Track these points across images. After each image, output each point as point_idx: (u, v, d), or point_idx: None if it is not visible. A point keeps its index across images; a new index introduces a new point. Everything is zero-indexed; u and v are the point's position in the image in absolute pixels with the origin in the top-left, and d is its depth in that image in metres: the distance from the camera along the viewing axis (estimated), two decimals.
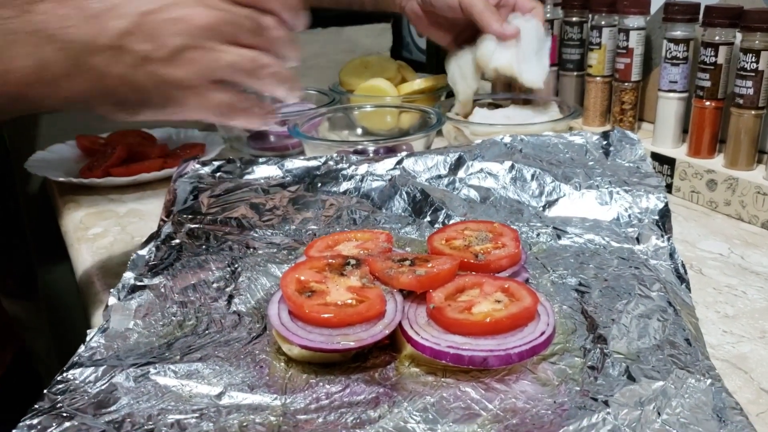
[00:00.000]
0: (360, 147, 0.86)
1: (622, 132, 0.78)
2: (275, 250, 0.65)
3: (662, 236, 0.65)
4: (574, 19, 1.05)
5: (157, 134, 1.08)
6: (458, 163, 0.75)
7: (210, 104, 0.55)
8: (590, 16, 1.02)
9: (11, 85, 0.50)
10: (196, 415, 0.43)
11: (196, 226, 0.67)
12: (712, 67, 0.82)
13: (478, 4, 0.92)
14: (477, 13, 0.92)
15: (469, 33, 0.97)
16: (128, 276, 0.58)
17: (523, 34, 0.91)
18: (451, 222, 0.69)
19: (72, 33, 0.50)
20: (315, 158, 0.77)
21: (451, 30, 1.00)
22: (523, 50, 0.92)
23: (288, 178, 0.75)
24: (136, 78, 0.51)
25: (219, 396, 0.45)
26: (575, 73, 1.07)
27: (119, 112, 0.54)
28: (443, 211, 0.71)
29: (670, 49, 0.87)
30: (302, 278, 0.52)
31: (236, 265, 0.61)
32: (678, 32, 0.87)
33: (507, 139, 0.78)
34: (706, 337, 0.54)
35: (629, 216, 0.68)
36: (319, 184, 0.74)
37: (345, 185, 0.74)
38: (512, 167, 0.74)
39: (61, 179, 0.91)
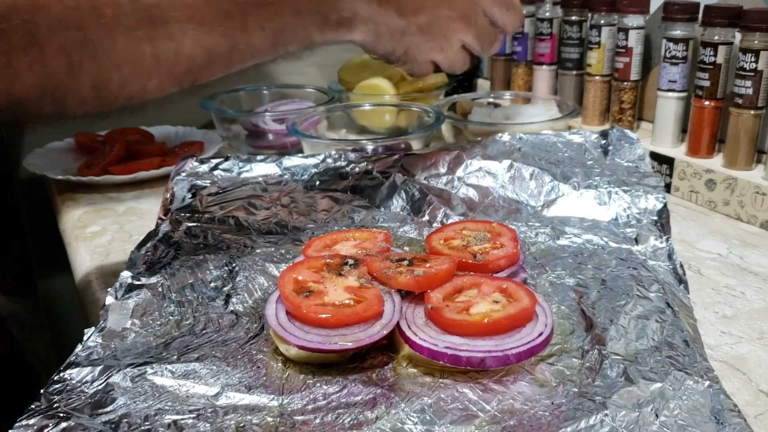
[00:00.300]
0: (359, 146, 0.86)
1: (621, 131, 0.78)
2: (273, 249, 0.64)
3: (661, 237, 0.65)
4: (573, 17, 1.05)
5: (156, 132, 1.07)
6: (457, 162, 0.75)
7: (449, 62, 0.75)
8: (590, 15, 1.02)
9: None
10: (193, 415, 0.43)
11: (194, 224, 0.67)
12: (712, 67, 0.82)
13: None
14: None
15: None
16: (125, 275, 0.58)
17: None
18: (450, 221, 0.69)
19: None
20: (313, 156, 0.77)
21: None
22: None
23: (286, 177, 0.75)
24: (398, 49, 0.71)
25: (216, 396, 0.45)
26: (574, 72, 1.07)
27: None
28: (442, 210, 0.71)
29: (669, 48, 0.87)
30: (300, 278, 0.52)
31: (234, 265, 0.61)
32: (677, 32, 0.86)
33: (506, 138, 0.78)
34: (704, 337, 0.54)
35: (628, 216, 0.68)
36: (318, 183, 0.74)
37: (343, 184, 0.74)
38: (511, 166, 0.74)
39: (59, 177, 0.91)
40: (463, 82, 1.19)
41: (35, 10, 0.45)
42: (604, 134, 0.78)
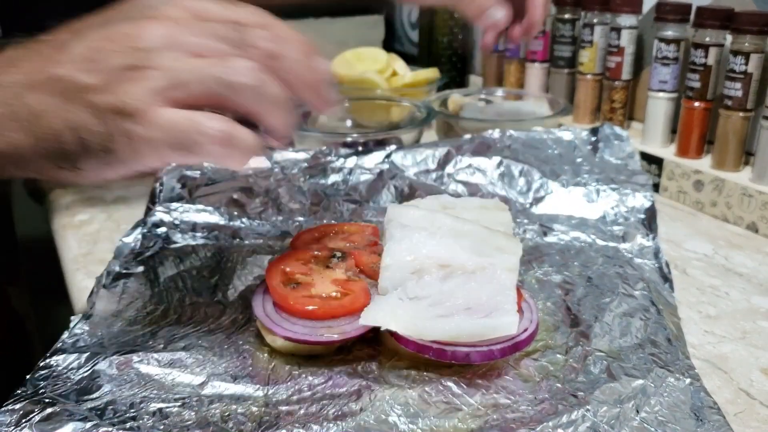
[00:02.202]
0: (349, 139, 0.86)
1: (611, 128, 0.78)
2: (261, 241, 0.65)
3: (648, 235, 0.65)
4: (566, 16, 1.05)
5: None
6: (447, 158, 0.75)
7: (165, 131, 0.40)
8: (583, 13, 1.02)
9: None
10: (179, 403, 0.43)
11: (183, 215, 0.67)
12: (702, 68, 0.83)
13: None
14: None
15: None
16: (113, 263, 0.58)
17: None
18: None
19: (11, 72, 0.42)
20: (303, 151, 0.77)
21: None
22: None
23: (276, 169, 0.75)
24: (77, 116, 0.40)
25: (202, 385, 0.45)
26: (566, 71, 1.07)
27: (61, 168, 0.42)
28: None
29: (660, 48, 0.87)
30: (287, 270, 0.53)
31: (222, 255, 0.61)
32: (669, 32, 0.87)
33: (496, 135, 0.78)
34: (687, 336, 0.55)
35: (615, 214, 0.69)
36: (307, 176, 0.74)
37: (333, 177, 0.74)
38: (500, 163, 0.74)
39: None
40: (455, 78, 1.19)
41: None
42: (594, 131, 0.78)
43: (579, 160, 0.76)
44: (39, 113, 0.40)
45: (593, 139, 0.78)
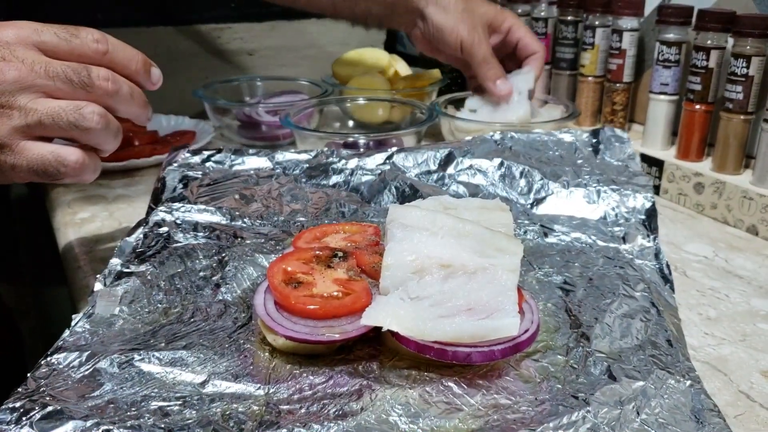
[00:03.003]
0: (351, 139, 0.86)
1: (612, 130, 0.79)
2: (263, 241, 0.65)
3: (648, 236, 0.65)
4: (568, 18, 1.05)
5: None
6: (448, 159, 0.75)
7: (30, 162, 0.50)
8: (585, 15, 1.03)
9: None
10: (180, 402, 0.43)
11: (185, 214, 0.67)
12: (704, 71, 0.83)
13: (478, 54, 0.91)
14: (476, 64, 0.91)
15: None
16: (115, 262, 0.58)
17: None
18: None
19: None
20: (305, 152, 0.78)
21: (456, 58, 0.97)
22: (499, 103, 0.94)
23: (278, 170, 0.75)
24: None
25: (203, 384, 0.45)
26: (568, 72, 1.08)
27: None
28: None
29: (662, 51, 0.88)
30: (289, 269, 0.53)
31: (223, 254, 0.61)
32: (671, 35, 0.87)
33: (497, 136, 0.78)
34: (687, 338, 0.55)
35: (616, 215, 0.69)
36: (309, 177, 0.74)
37: (335, 178, 0.74)
38: (501, 164, 0.74)
39: None
40: (456, 80, 1.19)
41: None
42: (594, 133, 0.79)
43: (580, 161, 0.76)
44: None
45: (594, 141, 0.78)
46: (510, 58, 0.97)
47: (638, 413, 0.43)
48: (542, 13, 1.09)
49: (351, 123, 1.08)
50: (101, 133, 0.53)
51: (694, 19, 0.85)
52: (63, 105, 0.50)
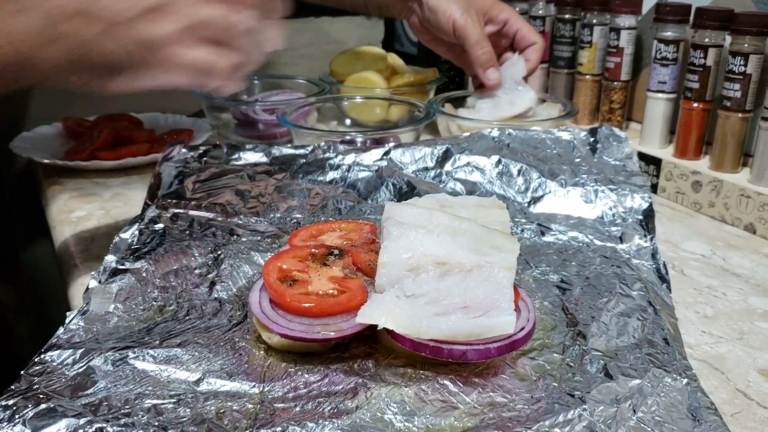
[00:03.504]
0: (348, 138, 0.86)
1: (610, 129, 0.78)
2: (259, 238, 0.64)
3: (645, 236, 0.65)
4: (566, 16, 1.05)
5: (145, 119, 1.07)
6: (445, 156, 0.75)
7: (186, 63, 0.52)
8: (582, 14, 1.02)
9: None
10: (174, 400, 0.43)
11: (180, 211, 0.67)
12: (701, 69, 0.83)
13: (471, 36, 0.90)
14: (468, 46, 0.91)
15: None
16: (110, 259, 0.58)
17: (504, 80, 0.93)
18: None
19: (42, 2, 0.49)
20: (302, 147, 0.77)
21: (452, 47, 0.97)
22: (501, 97, 0.93)
23: (274, 166, 0.75)
24: (106, 43, 0.50)
25: (197, 382, 0.45)
26: (566, 71, 1.07)
27: (98, 82, 0.53)
28: None
29: (660, 49, 0.87)
30: (284, 267, 0.52)
31: (219, 252, 0.61)
32: (668, 33, 0.87)
33: (495, 134, 0.78)
34: (685, 337, 0.55)
35: (613, 215, 0.69)
36: (306, 173, 0.74)
37: (331, 175, 0.74)
38: (499, 162, 0.74)
39: (46, 161, 0.90)
40: (454, 78, 1.19)
41: None
42: (592, 132, 0.78)
43: (577, 160, 0.76)
44: (80, 40, 0.50)
45: (592, 139, 0.78)
46: (509, 51, 0.96)
47: (634, 411, 0.43)
48: (540, 12, 1.09)
49: (348, 121, 1.07)
50: (248, 40, 0.56)
51: (691, 17, 0.84)
52: (219, 11, 0.53)
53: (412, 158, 0.75)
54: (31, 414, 0.40)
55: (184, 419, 0.42)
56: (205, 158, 0.74)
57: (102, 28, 0.50)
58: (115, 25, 0.50)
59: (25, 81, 0.53)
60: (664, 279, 0.60)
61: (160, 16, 0.51)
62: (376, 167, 0.74)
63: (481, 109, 0.94)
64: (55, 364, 0.45)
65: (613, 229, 0.67)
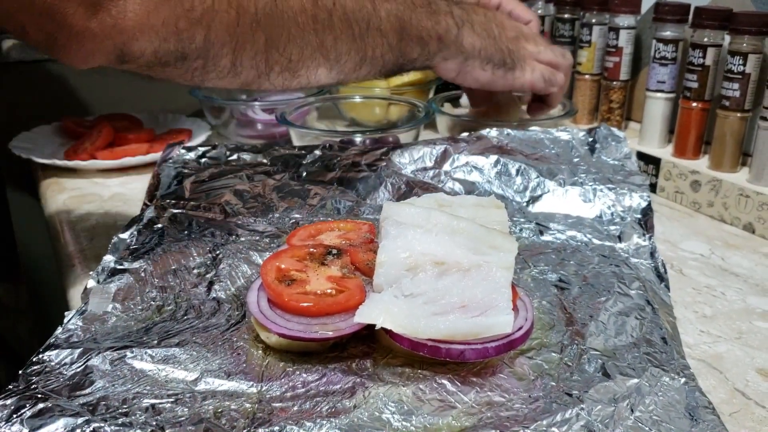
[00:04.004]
0: (347, 138, 0.86)
1: (609, 129, 0.78)
2: (257, 238, 0.64)
3: (644, 235, 0.65)
4: (565, 16, 1.05)
5: (144, 118, 1.07)
6: (444, 156, 0.75)
7: (540, 72, 0.84)
8: (581, 13, 1.02)
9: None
10: (172, 399, 0.43)
11: (179, 211, 0.67)
12: (700, 69, 0.83)
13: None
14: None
15: None
16: (108, 259, 0.58)
17: None
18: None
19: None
20: (301, 147, 0.77)
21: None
22: None
23: (273, 167, 0.75)
24: (503, 43, 0.81)
25: (195, 382, 0.45)
26: None
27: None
28: None
29: (659, 49, 0.87)
30: (283, 266, 0.52)
31: (217, 252, 0.61)
32: (667, 32, 0.87)
33: (493, 134, 0.78)
34: (683, 336, 0.55)
35: (612, 214, 0.69)
36: (305, 173, 0.74)
37: (330, 175, 0.74)
38: (497, 161, 0.74)
39: (45, 161, 0.90)
40: None
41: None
42: (591, 132, 0.78)
43: (576, 159, 0.76)
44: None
45: (590, 140, 0.78)
46: None
47: (632, 410, 0.43)
48: (539, 11, 1.09)
49: (348, 121, 1.07)
50: (559, 91, 0.89)
51: (690, 17, 0.84)
52: (550, 58, 0.86)
53: (411, 158, 0.75)
54: (29, 413, 0.40)
55: (182, 419, 0.42)
56: (204, 159, 0.74)
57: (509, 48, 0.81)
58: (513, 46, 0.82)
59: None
60: (662, 278, 0.60)
61: (525, 44, 0.84)
62: (375, 167, 0.74)
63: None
64: (53, 363, 0.45)
65: (612, 228, 0.67)
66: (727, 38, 0.79)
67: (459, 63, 0.78)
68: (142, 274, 0.57)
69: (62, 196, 0.85)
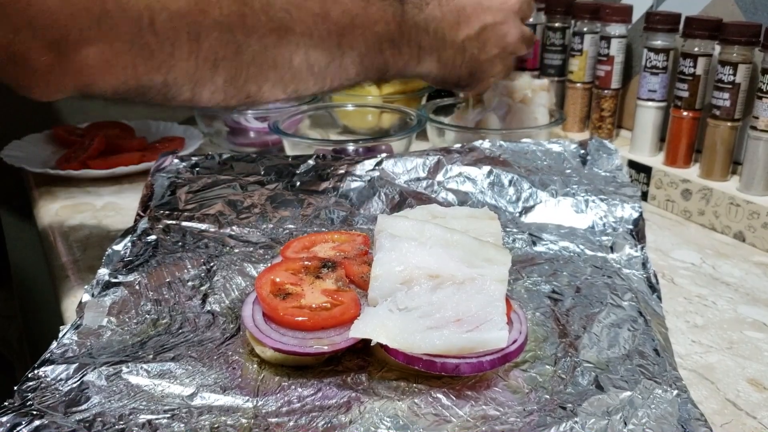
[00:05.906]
0: (340, 146, 0.86)
1: (600, 141, 0.79)
2: (252, 249, 0.65)
3: (636, 246, 0.66)
4: (556, 24, 1.05)
5: (136, 126, 1.07)
6: (437, 167, 0.75)
7: (503, 71, 0.84)
8: (573, 22, 1.03)
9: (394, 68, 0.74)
10: (168, 415, 0.43)
11: (173, 222, 0.67)
12: (691, 78, 0.83)
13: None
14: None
15: None
16: (103, 272, 0.58)
17: None
18: None
19: (440, 30, 0.75)
20: (294, 157, 0.77)
21: None
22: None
23: (267, 176, 0.75)
24: (463, 70, 0.79)
25: (191, 396, 0.45)
26: (556, 79, 1.08)
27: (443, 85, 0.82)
28: None
29: (650, 58, 0.88)
30: (277, 280, 0.52)
31: (212, 264, 0.61)
32: (658, 42, 0.87)
33: (486, 144, 0.78)
34: (675, 346, 0.55)
35: (604, 225, 0.69)
36: (298, 183, 0.74)
37: (324, 185, 0.74)
38: (490, 172, 0.74)
39: (37, 170, 0.90)
40: None
41: (200, 14, 0.57)
42: (582, 144, 0.79)
43: (568, 171, 0.76)
44: (447, 63, 0.78)
45: (582, 152, 0.78)
46: None
47: (625, 423, 0.43)
48: (530, 20, 1.09)
49: (340, 129, 1.07)
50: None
51: (681, 26, 0.85)
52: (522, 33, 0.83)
53: (404, 168, 0.75)
54: (24, 431, 0.40)
55: None
56: (197, 169, 0.74)
57: (464, 60, 0.79)
58: (471, 60, 0.79)
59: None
60: (654, 288, 0.61)
61: (497, 62, 0.82)
62: (369, 177, 0.74)
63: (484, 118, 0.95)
64: (48, 379, 0.45)
65: (604, 238, 0.67)
66: (718, 48, 0.80)
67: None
68: (137, 287, 0.57)
69: (54, 205, 0.85)
